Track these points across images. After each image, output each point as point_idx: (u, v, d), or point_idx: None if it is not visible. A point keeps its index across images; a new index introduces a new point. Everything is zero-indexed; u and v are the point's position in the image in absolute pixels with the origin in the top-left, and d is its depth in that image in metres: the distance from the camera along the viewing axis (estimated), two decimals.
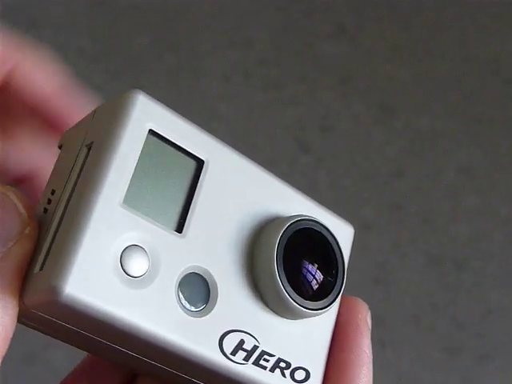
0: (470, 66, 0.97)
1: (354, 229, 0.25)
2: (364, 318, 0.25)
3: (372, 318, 0.25)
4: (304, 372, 0.23)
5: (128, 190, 0.20)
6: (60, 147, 0.23)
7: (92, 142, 0.20)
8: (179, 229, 0.21)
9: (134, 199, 0.20)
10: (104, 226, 0.19)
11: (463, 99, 0.95)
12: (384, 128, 0.93)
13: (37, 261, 0.19)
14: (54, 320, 0.20)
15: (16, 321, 0.19)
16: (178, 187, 0.21)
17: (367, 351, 0.25)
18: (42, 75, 0.26)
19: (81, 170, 0.20)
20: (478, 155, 0.92)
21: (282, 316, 0.23)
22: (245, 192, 0.23)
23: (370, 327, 0.25)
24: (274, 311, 0.23)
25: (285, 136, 0.88)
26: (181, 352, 0.20)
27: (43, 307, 0.19)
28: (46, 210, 0.21)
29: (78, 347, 0.22)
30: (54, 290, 0.18)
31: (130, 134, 0.20)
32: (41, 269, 0.19)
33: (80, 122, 0.23)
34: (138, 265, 0.20)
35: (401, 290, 0.84)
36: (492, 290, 0.85)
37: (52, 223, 0.20)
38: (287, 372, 0.23)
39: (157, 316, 0.20)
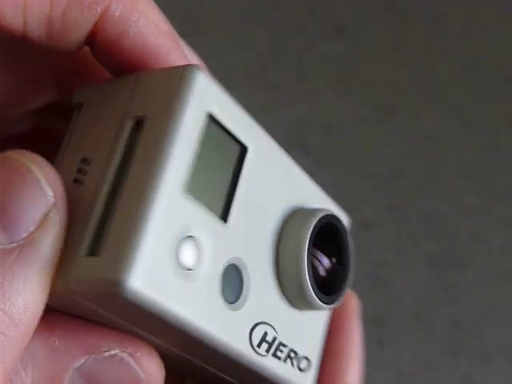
0: (470, 66, 0.97)
1: (353, 226, 0.25)
2: (354, 306, 0.25)
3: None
4: (306, 361, 0.23)
5: (189, 176, 0.18)
6: (78, 105, 0.21)
7: (143, 117, 0.19)
8: (224, 217, 0.20)
9: (192, 186, 0.19)
10: (167, 215, 0.18)
11: (463, 99, 0.95)
12: (384, 128, 0.93)
13: (80, 242, 0.18)
14: (98, 310, 0.19)
15: (42, 313, 0.17)
16: (224, 173, 0.20)
17: (357, 338, 0.25)
18: (149, 17, 0.20)
19: (128, 146, 0.19)
20: (478, 155, 0.92)
21: (294, 306, 0.22)
22: (279, 183, 0.22)
23: (360, 314, 0.25)
24: (288, 301, 0.22)
25: (285, 136, 0.88)
26: (217, 345, 0.19)
27: (94, 297, 0.18)
28: (77, 180, 0.19)
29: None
30: (117, 283, 0.17)
31: (192, 117, 0.18)
32: (90, 253, 0.18)
33: (110, 84, 0.21)
34: (190, 256, 0.18)
35: (401, 289, 0.84)
36: (492, 290, 0.85)
37: (96, 201, 0.18)
38: (295, 361, 0.22)
39: (204, 310, 0.19)
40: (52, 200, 0.17)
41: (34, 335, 0.17)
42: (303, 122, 0.91)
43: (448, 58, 0.98)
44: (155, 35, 0.20)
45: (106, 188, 0.19)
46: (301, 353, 0.23)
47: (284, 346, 0.22)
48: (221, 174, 0.20)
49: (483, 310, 0.84)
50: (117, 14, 0.19)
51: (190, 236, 0.18)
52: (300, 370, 0.23)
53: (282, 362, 0.22)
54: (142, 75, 0.20)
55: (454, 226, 0.88)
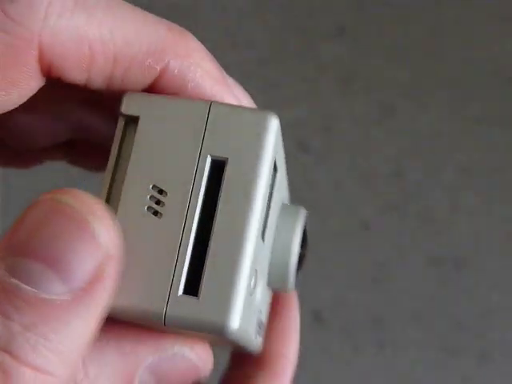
0: (470, 65, 0.97)
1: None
2: None
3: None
4: (264, 328, 0.25)
5: (263, 221, 0.20)
6: (131, 117, 0.20)
7: (225, 158, 0.20)
8: (263, 238, 0.21)
9: (264, 230, 0.21)
10: (254, 260, 0.19)
11: (463, 99, 0.95)
12: (384, 128, 0.93)
13: (171, 279, 0.19)
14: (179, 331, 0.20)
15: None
16: (268, 202, 0.21)
17: (297, 314, 0.28)
18: (204, 68, 0.21)
19: (209, 185, 0.20)
20: (478, 155, 0.92)
21: (268, 286, 0.24)
22: (281, 188, 0.24)
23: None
24: (268, 285, 0.23)
25: (285, 136, 0.88)
26: (244, 345, 0.21)
27: (188, 330, 0.19)
28: (151, 209, 0.19)
29: None
30: (223, 326, 0.18)
31: (271, 166, 0.20)
32: (188, 293, 0.19)
33: (172, 103, 0.20)
34: (254, 285, 0.20)
35: (401, 290, 0.84)
36: (492, 290, 0.85)
37: (184, 239, 0.19)
38: (261, 332, 0.24)
39: (255, 327, 0.21)
40: (108, 253, 0.17)
41: (106, 342, 0.19)
42: (303, 122, 0.91)
43: (448, 58, 0.98)
44: (210, 85, 0.21)
45: (193, 227, 0.19)
46: (265, 323, 0.25)
47: (263, 323, 0.24)
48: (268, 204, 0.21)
49: (483, 309, 0.84)
50: (175, 72, 0.20)
51: (256, 269, 0.20)
52: (261, 336, 0.24)
53: (260, 339, 0.24)
54: (215, 109, 0.20)
55: (454, 226, 0.88)
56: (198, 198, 0.19)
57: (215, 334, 0.19)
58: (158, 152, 0.20)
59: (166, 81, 0.20)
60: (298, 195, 1.01)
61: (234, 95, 0.22)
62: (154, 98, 0.20)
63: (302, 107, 0.93)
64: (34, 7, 0.18)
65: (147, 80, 0.20)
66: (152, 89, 0.20)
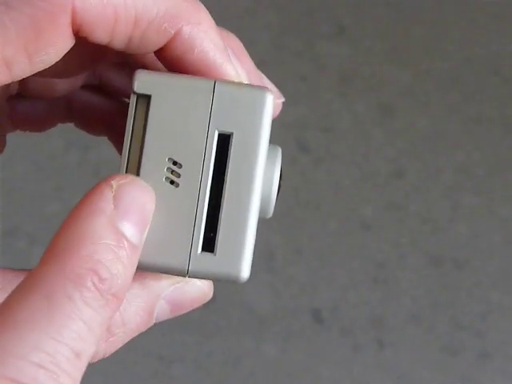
0: (470, 66, 0.97)
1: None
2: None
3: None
4: None
5: None
6: (143, 96, 0.23)
7: (231, 133, 0.23)
8: None
9: None
10: (256, 221, 0.23)
11: (463, 99, 0.95)
12: (384, 128, 0.93)
13: (190, 240, 0.22)
14: None
15: None
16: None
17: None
18: (209, 36, 0.24)
19: (217, 156, 0.23)
20: (478, 155, 0.92)
21: None
22: None
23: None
24: None
25: (285, 136, 0.88)
26: None
27: (208, 279, 0.24)
28: (170, 180, 0.23)
29: None
30: (238, 277, 0.23)
31: (268, 137, 0.23)
32: (206, 249, 0.23)
33: (179, 81, 0.23)
34: None
35: (401, 290, 0.84)
36: (492, 290, 0.85)
37: (200, 206, 0.23)
38: None
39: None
40: None
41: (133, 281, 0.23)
42: (303, 121, 0.92)
43: (448, 58, 0.98)
44: (213, 51, 0.24)
45: (206, 193, 0.23)
46: None
47: None
48: None
49: (483, 310, 0.84)
50: (186, 37, 0.23)
51: None
52: None
53: None
54: (220, 86, 0.23)
55: (454, 226, 0.88)
56: (209, 168, 0.23)
57: (230, 282, 0.23)
58: (170, 128, 0.23)
59: (177, 44, 0.23)
60: (298, 195, 1.01)
61: (232, 64, 0.24)
62: (162, 76, 0.23)
63: (302, 107, 0.93)
64: None
65: (161, 42, 0.23)
66: (164, 50, 0.23)
